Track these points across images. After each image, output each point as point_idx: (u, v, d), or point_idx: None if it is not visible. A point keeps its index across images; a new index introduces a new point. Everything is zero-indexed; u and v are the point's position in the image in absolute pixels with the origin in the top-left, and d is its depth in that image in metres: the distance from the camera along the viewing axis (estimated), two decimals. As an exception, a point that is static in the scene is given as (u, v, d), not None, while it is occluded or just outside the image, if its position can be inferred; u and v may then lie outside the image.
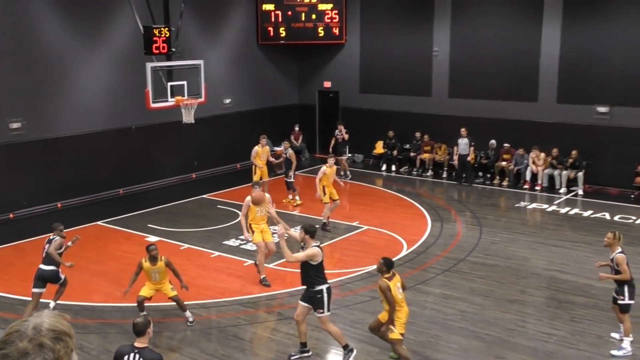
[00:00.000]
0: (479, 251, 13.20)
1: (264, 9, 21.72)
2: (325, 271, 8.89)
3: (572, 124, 18.18)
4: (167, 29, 14.84)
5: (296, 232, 9.45)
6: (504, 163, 18.88)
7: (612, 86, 17.57)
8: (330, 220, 14.73)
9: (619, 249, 9.19)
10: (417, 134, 20.55)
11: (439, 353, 9.10)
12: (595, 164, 17.78)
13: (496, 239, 14.02)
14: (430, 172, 20.05)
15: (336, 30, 21.90)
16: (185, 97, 15.10)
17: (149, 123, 18.34)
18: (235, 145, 20.22)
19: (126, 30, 17.34)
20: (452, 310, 10.37)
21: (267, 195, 11.77)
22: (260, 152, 16.79)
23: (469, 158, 18.76)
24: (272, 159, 17.31)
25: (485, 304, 10.60)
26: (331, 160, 14.87)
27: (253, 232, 11.60)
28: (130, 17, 15.51)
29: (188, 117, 15.44)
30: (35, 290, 9.85)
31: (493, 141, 19.13)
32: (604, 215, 15.57)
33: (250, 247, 13.52)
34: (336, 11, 21.76)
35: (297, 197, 16.70)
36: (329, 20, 21.81)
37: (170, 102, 14.92)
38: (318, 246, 8.76)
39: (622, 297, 9.01)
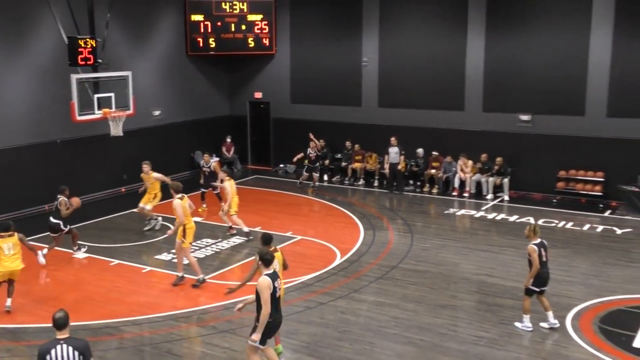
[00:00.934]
0: (410, 258, 13.43)
1: (192, 19, 21.53)
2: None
3: (497, 132, 18.79)
4: (92, 39, 14.52)
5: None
6: (433, 171, 19.30)
7: (533, 95, 18.27)
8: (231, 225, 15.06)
9: (534, 240, 9.95)
10: (348, 144, 20.77)
11: (374, 360, 9.20)
12: (520, 171, 18.43)
13: (427, 245, 14.30)
14: (361, 181, 20.30)
15: (266, 41, 21.93)
16: (113, 109, 14.79)
17: (75, 136, 17.84)
18: (166, 158, 19.88)
19: (49, 40, 16.83)
20: (386, 317, 10.51)
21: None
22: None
23: (399, 167, 19.10)
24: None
25: (417, 309, 10.79)
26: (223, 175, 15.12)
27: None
28: (54, 28, 15.07)
29: (116, 130, 15.11)
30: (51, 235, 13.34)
31: (420, 150, 19.55)
32: (529, 219, 16.12)
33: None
34: (266, 22, 21.80)
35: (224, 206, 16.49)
36: (259, 31, 21.82)
37: (97, 114, 14.60)
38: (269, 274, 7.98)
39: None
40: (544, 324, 10.03)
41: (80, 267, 13.14)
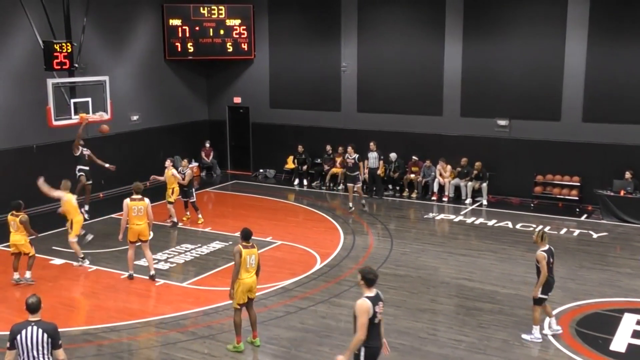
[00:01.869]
0: (390, 262, 13.47)
1: (170, 24, 21.43)
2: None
3: (475, 137, 18.95)
4: (68, 44, 14.39)
5: None
6: (412, 175, 19.40)
7: (510, 100, 18.46)
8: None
9: (543, 247, 9.73)
10: (328, 148, 20.79)
11: (355, 365, 9.18)
12: (498, 175, 18.59)
13: (407, 250, 14.35)
14: (341, 186, 20.30)
15: (245, 46, 21.89)
16: (90, 114, 14.67)
17: (52, 142, 17.63)
18: (144, 163, 19.73)
19: (25, 44, 16.62)
20: (366, 322, 10.50)
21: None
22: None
23: (378, 171, 19.16)
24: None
25: (397, 314, 10.81)
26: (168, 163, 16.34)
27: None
28: (29, 31, 14.90)
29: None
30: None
31: (393, 154, 19.61)
32: (507, 224, 16.27)
33: (162, 266, 13.24)
34: (244, 27, 21.76)
35: (200, 215, 16.51)
36: (237, 36, 21.78)
37: (74, 119, 14.46)
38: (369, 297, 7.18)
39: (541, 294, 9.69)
40: (547, 331, 9.98)
41: (58, 273, 12.97)
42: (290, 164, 21.66)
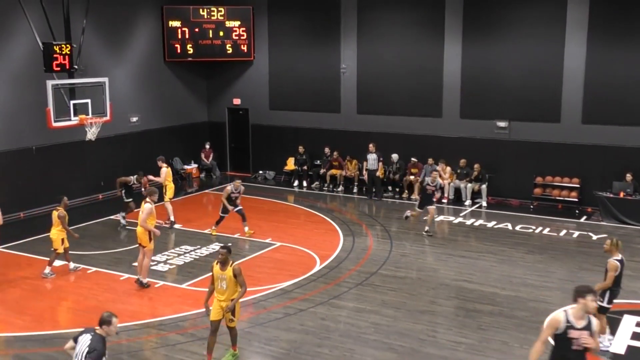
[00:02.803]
0: (390, 264, 13.46)
1: (170, 25, 21.44)
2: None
3: (475, 139, 18.95)
4: (68, 45, 14.38)
5: None
6: (412, 177, 19.39)
7: (510, 102, 18.47)
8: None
9: (616, 256, 9.46)
10: (327, 150, 20.78)
11: (354, 367, 9.19)
12: (497, 177, 18.59)
13: (406, 251, 14.35)
14: (341, 188, 20.32)
15: (244, 47, 21.90)
16: (90, 115, 14.66)
17: (51, 143, 17.63)
18: (144, 164, 19.69)
19: (24, 46, 16.63)
20: (366, 324, 10.51)
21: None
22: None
23: (378, 173, 19.15)
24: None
25: (397, 315, 10.80)
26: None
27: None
28: (29, 33, 14.89)
29: (92, 135, 15.01)
30: None
31: (394, 155, 19.61)
32: (507, 225, 16.27)
33: (161, 267, 13.23)
34: (244, 28, 21.77)
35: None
36: (237, 37, 21.79)
37: (74, 121, 14.45)
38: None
39: (601, 300, 9.40)
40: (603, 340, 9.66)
41: (57, 275, 12.95)
42: (290, 165, 21.66)
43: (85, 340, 6.85)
